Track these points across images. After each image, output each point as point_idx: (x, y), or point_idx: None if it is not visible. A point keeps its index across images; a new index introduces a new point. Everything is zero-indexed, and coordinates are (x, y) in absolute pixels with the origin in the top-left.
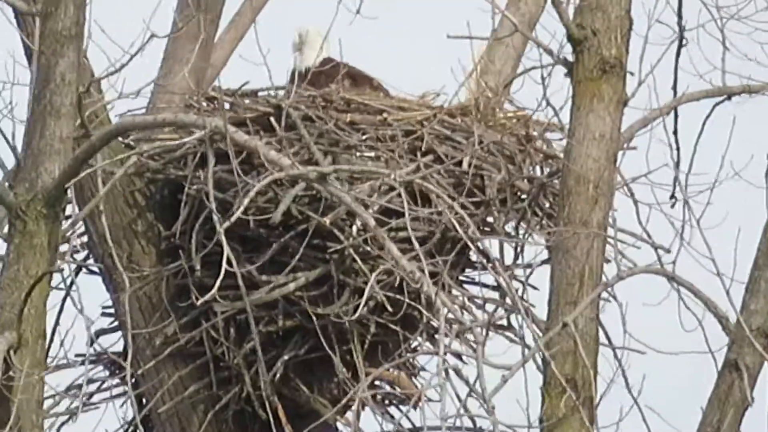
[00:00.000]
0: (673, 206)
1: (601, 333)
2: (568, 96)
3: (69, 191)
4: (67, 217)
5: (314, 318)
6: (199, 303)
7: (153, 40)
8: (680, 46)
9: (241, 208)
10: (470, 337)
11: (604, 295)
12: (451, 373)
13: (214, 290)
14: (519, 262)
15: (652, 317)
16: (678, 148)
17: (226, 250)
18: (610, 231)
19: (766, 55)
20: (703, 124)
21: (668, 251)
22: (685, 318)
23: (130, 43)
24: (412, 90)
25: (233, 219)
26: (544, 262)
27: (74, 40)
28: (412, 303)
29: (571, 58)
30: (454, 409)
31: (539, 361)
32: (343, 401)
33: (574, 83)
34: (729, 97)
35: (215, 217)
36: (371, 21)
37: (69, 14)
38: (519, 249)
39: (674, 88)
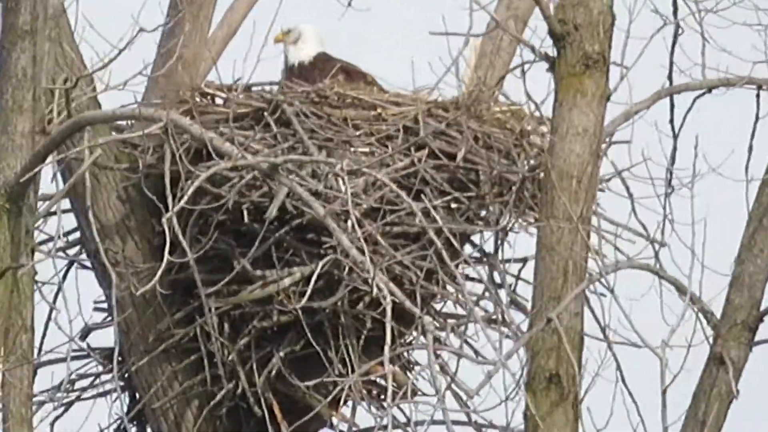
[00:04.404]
0: (669, 195)
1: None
2: (550, 91)
3: (31, 185)
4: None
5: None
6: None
7: (142, 34)
8: (676, 34)
9: (185, 198)
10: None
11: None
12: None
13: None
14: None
15: (642, 310)
16: (676, 137)
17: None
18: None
19: (745, 48)
20: (684, 117)
21: (664, 244)
22: (672, 312)
23: (118, 38)
24: (405, 84)
25: (176, 209)
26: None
27: (34, 35)
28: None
29: (553, 53)
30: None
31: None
32: (334, 392)
33: (556, 79)
34: (709, 90)
35: (162, 208)
36: (362, 13)
37: (29, 9)
38: (500, 242)
39: (669, 77)
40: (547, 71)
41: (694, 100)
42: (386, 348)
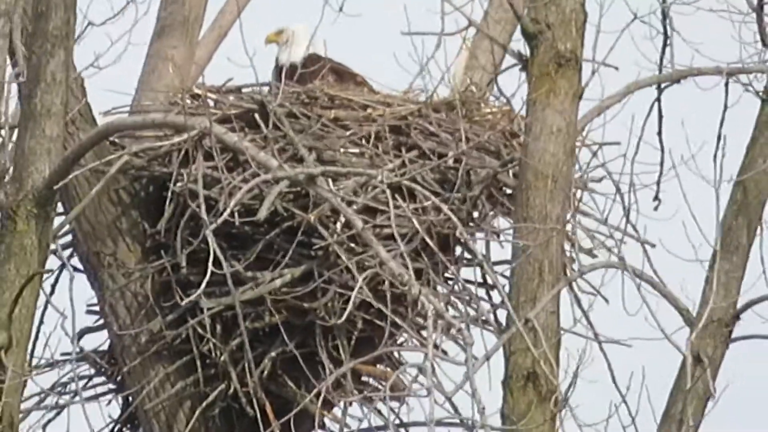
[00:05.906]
0: (656, 209)
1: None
2: (521, 85)
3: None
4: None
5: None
6: (183, 303)
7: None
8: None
9: (228, 210)
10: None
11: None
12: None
13: (201, 287)
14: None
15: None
16: (663, 150)
17: (214, 249)
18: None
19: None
20: (651, 107)
21: (653, 245)
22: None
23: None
24: (397, 85)
25: (220, 221)
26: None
27: (64, 40)
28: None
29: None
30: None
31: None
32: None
33: (529, 78)
34: (678, 81)
35: (203, 218)
36: (354, 19)
37: (60, 14)
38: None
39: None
40: (520, 71)
41: (662, 90)
42: (428, 360)
